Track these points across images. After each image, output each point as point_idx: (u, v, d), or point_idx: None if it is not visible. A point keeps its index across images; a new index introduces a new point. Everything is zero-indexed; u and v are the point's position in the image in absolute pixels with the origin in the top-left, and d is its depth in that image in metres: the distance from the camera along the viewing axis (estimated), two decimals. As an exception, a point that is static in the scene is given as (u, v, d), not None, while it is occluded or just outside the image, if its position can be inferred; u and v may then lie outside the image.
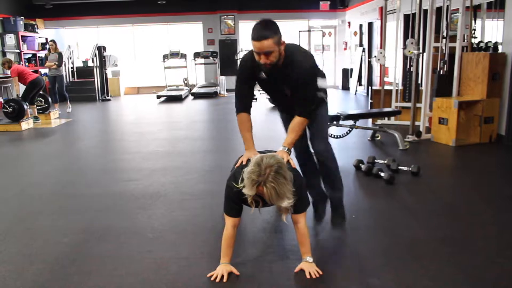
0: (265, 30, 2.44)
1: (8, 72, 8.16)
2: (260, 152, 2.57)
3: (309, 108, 2.71)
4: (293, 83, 2.66)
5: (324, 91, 2.90)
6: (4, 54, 11.36)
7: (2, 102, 8.51)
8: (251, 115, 2.78)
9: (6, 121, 7.63)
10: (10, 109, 7.54)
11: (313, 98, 2.75)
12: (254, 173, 2.16)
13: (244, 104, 2.77)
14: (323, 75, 2.87)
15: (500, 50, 5.75)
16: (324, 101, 2.91)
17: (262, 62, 2.51)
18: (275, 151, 2.60)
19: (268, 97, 2.98)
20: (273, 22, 2.50)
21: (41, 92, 8.36)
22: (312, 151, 3.02)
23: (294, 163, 2.55)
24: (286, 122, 2.92)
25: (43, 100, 8.87)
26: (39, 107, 8.61)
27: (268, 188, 2.14)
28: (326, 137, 3.01)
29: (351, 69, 13.20)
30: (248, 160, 2.42)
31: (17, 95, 7.90)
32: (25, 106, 7.61)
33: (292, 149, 2.75)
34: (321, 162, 2.99)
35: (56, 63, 9.23)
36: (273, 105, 9.46)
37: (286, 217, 2.35)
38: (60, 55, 9.41)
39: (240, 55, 12.48)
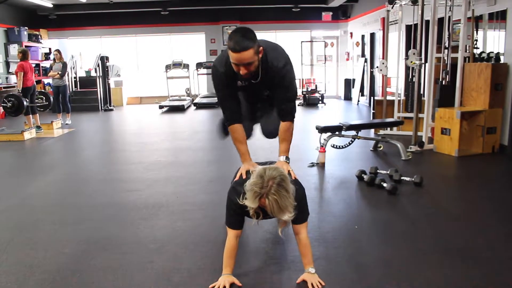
0: (245, 40, 2.28)
1: (14, 70, 8.09)
2: (259, 164, 2.56)
3: (292, 108, 2.64)
4: (271, 84, 2.56)
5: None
6: (7, 64, 11.46)
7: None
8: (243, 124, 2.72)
9: (8, 131, 7.65)
10: (10, 104, 7.51)
11: (295, 96, 2.66)
12: (256, 185, 2.15)
13: (234, 114, 2.64)
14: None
15: (502, 61, 5.77)
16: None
17: (242, 73, 2.38)
18: (275, 162, 2.59)
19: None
20: (251, 30, 2.35)
21: (43, 91, 8.33)
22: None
23: (295, 174, 2.53)
24: (245, 105, 2.85)
25: (44, 97, 8.87)
26: (39, 105, 8.59)
27: (270, 200, 2.13)
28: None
29: (353, 80, 13.23)
30: (248, 172, 2.41)
31: (18, 90, 7.85)
32: (25, 102, 7.56)
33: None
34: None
35: (60, 72, 9.23)
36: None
37: (283, 230, 2.34)
38: (64, 65, 9.39)
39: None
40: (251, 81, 2.54)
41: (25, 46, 11.64)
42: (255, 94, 2.76)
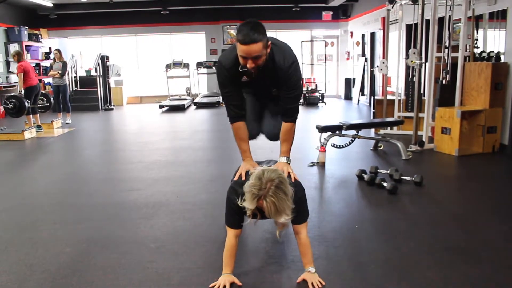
0: (254, 33, 2.25)
1: (14, 70, 8.11)
2: (259, 163, 2.56)
3: (295, 108, 2.62)
4: (277, 83, 2.54)
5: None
6: (8, 63, 11.45)
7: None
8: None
9: (9, 130, 7.64)
10: (11, 105, 7.50)
11: (299, 96, 2.64)
12: (255, 186, 2.16)
13: (236, 111, 2.63)
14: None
15: (502, 60, 5.76)
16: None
17: (249, 66, 2.33)
18: (275, 161, 2.59)
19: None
20: (261, 23, 2.32)
21: (43, 92, 8.34)
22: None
23: (296, 175, 2.53)
24: (252, 104, 2.79)
25: (44, 99, 8.87)
26: (40, 105, 8.60)
27: (268, 202, 2.13)
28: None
29: (354, 79, 13.23)
30: (247, 173, 2.41)
31: (19, 91, 7.86)
32: (26, 103, 7.56)
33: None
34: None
35: (60, 72, 9.22)
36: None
37: (280, 232, 2.34)
38: (64, 64, 9.39)
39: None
40: (256, 76, 2.48)
41: (25, 46, 11.69)
42: (262, 90, 2.72)
